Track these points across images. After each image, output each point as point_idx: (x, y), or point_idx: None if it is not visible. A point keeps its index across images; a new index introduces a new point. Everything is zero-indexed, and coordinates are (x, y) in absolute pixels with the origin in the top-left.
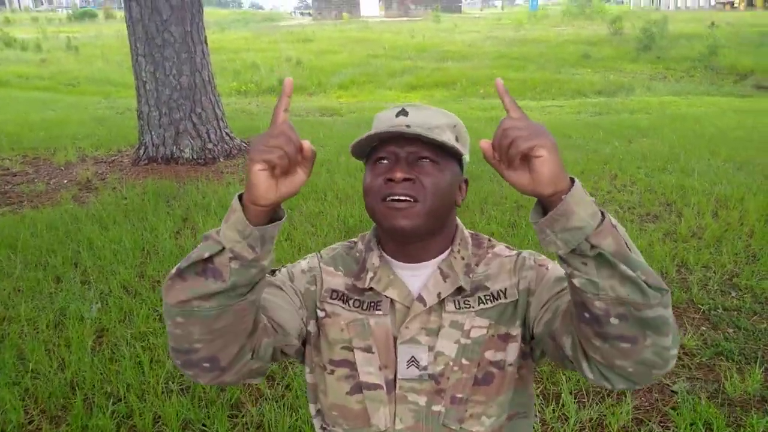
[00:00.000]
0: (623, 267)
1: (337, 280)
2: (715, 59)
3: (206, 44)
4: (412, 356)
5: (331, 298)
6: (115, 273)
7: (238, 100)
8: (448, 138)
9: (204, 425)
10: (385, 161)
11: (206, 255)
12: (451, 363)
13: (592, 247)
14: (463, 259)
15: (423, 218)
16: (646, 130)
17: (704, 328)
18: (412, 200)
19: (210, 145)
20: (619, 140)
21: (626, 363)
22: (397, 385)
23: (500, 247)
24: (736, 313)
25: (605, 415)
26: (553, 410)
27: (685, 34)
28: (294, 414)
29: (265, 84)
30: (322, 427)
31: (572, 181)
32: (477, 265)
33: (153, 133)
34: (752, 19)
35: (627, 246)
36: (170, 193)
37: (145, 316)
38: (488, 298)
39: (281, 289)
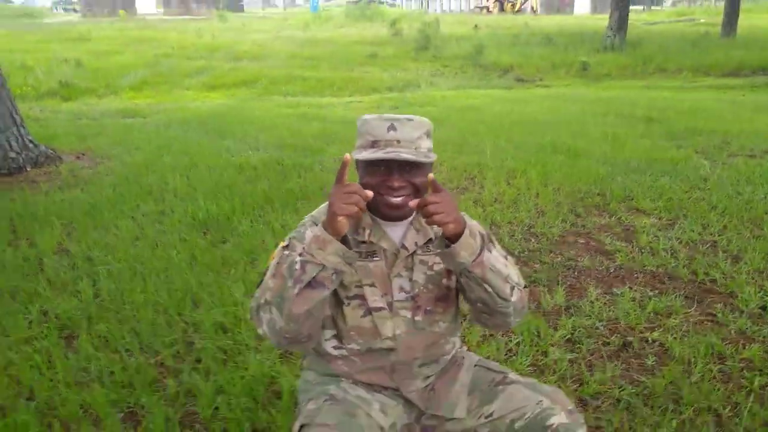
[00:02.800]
0: (485, 286)
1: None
2: (481, 57)
3: None
4: (401, 285)
5: None
6: None
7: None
8: (426, 146)
9: (129, 403)
10: (382, 167)
11: (313, 276)
12: (422, 287)
13: (469, 272)
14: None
15: (410, 208)
16: (438, 120)
17: (518, 266)
18: (404, 199)
19: (13, 154)
20: None
21: (486, 323)
22: (394, 306)
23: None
24: (538, 252)
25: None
26: None
27: (455, 35)
28: (212, 376)
29: (44, 87)
30: (334, 347)
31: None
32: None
33: None
34: (504, 22)
35: (493, 270)
36: None
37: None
38: (444, 244)
39: None
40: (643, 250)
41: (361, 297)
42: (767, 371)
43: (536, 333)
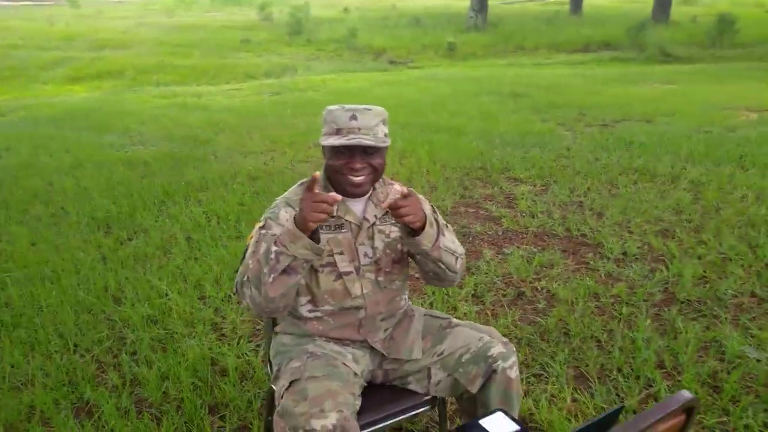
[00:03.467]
0: (439, 263)
1: None
2: (354, 40)
3: None
4: (365, 252)
5: None
6: None
7: None
8: (383, 132)
9: (73, 400)
10: (345, 152)
11: (286, 265)
12: (382, 253)
13: (427, 254)
14: (383, 193)
15: (370, 186)
16: (323, 105)
17: None
18: (364, 177)
19: None
20: (306, 116)
21: (434, 284)
22: (360, 270)
23: (397, 185)
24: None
25: None
26: None
27: (326, 18)
28: (154, 365)
29: None
30: (309, 311)
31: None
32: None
33: None
34: (372, 3)
35: (446, 250)
36: None
37: None
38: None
39: None
40: (524, 214)
41: (333, 264)
42: (631, 302)
43: (446, 292)
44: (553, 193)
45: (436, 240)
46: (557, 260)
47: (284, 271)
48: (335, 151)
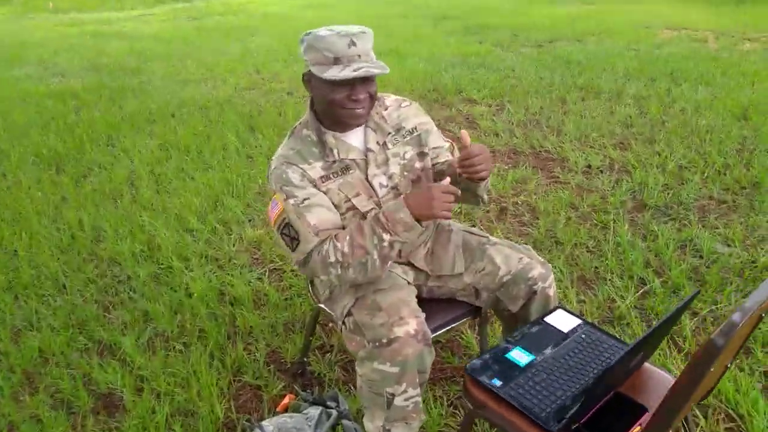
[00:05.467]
0: (479, 198)
1: (316, 169)
2: None
3: None
4: (380, 183)
5: (322, 182)
6: None
7: None
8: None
9: (85, 342)
10: (345, 83)
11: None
12: (399, 177)
13: (474, 194)
14: (377, 114)
15: (369, 113)
16: (251, 30)
17: None
18: (366, 107)
19: None
20: (237, 42)
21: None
22: (381, 203)
23: (393, 98)
24: None
25: None
26: None
27: None
28: (160, 298)
29: None
30: None
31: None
32: (387, 115)
33: None
34: None
35: (486, 189)
36: None
37: None
38: (408, 133)
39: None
40: (487, 133)
41: (353, 208)
42: (607, 210)
43: None
44: (510, 113)
45: (486, 183)
46: (530, 176)
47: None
48: (335, 83)
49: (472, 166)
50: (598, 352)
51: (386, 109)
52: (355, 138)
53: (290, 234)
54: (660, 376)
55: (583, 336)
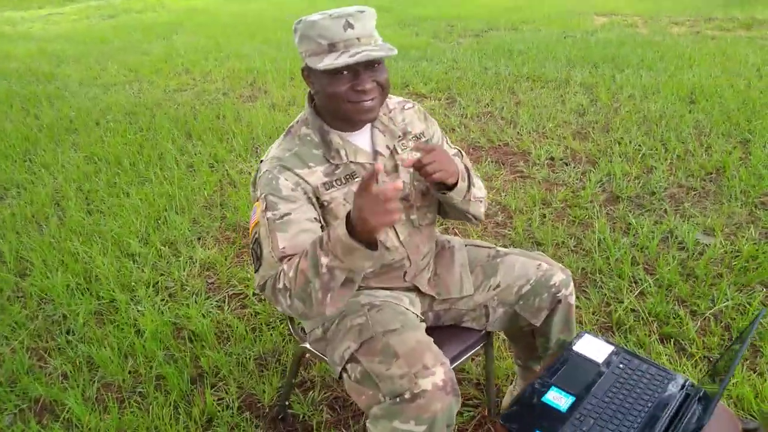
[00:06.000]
0: (467, 213)
1: (317, 175)
2: None
3: None
4: None
5: (325, 189)
6: None
7: None
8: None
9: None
10: (346, 71)
11: (343, 279)
12: (410, 186)
13: (455, 206)
14: (385, 115)
15: (380, 107)
16: (172, 26)
17: None
18: (375, 99)
19: None
20: (160, 40)
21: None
22: None
23: (395, 99)
24: None
25: None
26: None
27: None
28: (105, 340)
29: None
30: None
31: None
32: (392, 117)
33: None
34: None
35: (475, 200)
36: None
37: None
38: (415, 138)
39: (311, 220)
40: (442, 129)
41: None
42: (580, 205)
43: None
44: (461, 106)
45: (467, 191)
46: (494, 172)
47: (342, 285)
48: (333, 74)
49: (422, 168)
50: (644, 384)
51: (390, 111)
52: (361, 139)
53: (256, 252)
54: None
55: (621, 366)
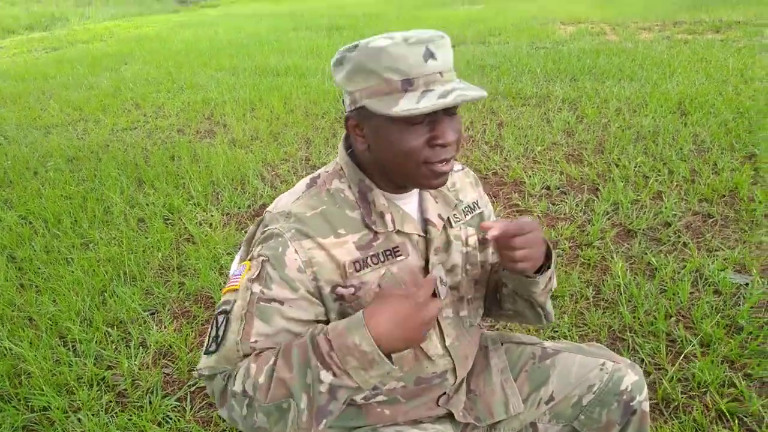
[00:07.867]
0: (539, 308)
1: (348, 247)
2: None
3: None
4: (440, 277)
5: (356, 270)
6: None
7: None
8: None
9: None
10: (423, 119)
11: (344, 399)
12: (460, 271)
13: (530, 298)
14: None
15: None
16: (123, 57)
17: None
18: (453, 158)
19: None
20: (107, 72)
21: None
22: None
23: (461, 171)
24: None
25: None
26: None
27: None
28: None
29: None
30: (364, 397)
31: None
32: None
33: None
34: None
35: (550, 292)
36: None
37: None
38: (468, 209)
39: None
40: None
41: None
42: (591, 244)
43: None
44: None
45: (549, 282)
46: None
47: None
48: (407, 122)
49: (508, 247)
50: None
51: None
52: (409, 204)
53: (218, 330)
54: None
55: None
